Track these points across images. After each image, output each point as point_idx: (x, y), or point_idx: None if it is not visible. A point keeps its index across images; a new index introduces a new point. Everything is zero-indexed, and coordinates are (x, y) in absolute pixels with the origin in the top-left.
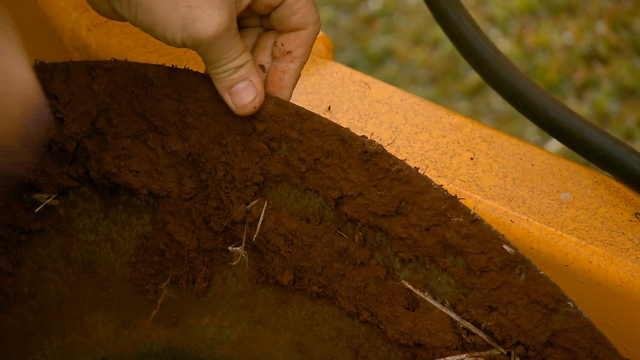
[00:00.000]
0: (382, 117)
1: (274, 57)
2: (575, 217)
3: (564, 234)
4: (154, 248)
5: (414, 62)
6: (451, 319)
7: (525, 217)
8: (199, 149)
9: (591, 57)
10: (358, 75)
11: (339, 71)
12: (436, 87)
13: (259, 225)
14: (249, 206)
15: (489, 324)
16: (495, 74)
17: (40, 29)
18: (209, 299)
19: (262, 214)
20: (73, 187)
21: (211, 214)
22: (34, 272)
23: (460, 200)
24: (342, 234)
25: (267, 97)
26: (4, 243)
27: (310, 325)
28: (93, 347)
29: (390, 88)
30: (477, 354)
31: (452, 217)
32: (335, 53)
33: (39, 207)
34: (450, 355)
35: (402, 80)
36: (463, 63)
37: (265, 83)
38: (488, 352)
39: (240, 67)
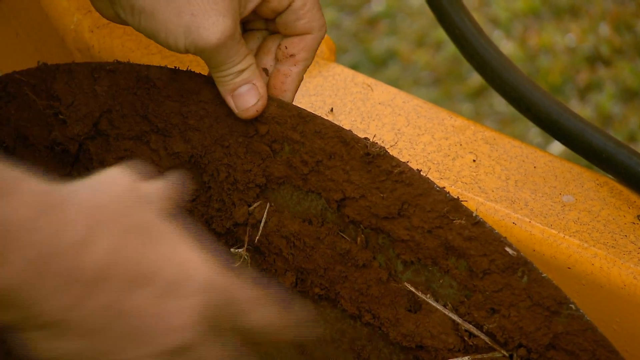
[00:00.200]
0: (384, 119)
1: (277, 60)
2: (578, 219)
3: (567, 237)
4: None
5: (417, 64)
6: (453, 321)
7: (527, 220)
8: (201, 151)
9: (594, 59)
10: (360, 77)
11: (342, 73)
12: (439, 88)
13: (261, 227)
14: (251, 208)
15: (491, 326)
16: (497, 76)
17: (43, 30)
18: None
19: (265, 216)
20: None
21: (213, 216)
22: None
23: (463, 203)
24: (344, 236)
25: (270, 99)
26: None
27: (312, 327)
28: None
29: (393, 90)
30: (479, 356)
31: (455, 220)
32: (338, 54)
33: None
34: (452, 358)
35: (405, 81)
36: (466, 65)
37: (268, 86)
38: (490, 355)
39: (243, 70)
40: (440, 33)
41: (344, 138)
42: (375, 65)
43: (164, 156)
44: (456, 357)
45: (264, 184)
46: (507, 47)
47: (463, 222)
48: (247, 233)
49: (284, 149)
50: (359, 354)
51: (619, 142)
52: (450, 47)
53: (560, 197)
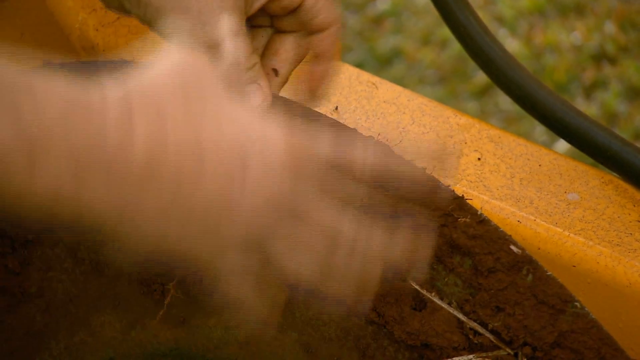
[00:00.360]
0: (389, 118)
1: (307, 62)
2: (583, 217)
3: (572, 235)
4: None
5: (422, 62)
6: (458, 319)
7: (532, 218)
8: None
9: (600, 57)
10: (365, 76)
11: (346, 71)
12: (444, 87)
13: None
14: None
15: (496, 324)
16: (503, 74)
17: (48, 28)
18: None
19: None
20: None
21: None
22: (41, 272)
23: (468, 201)
24: None
25: (274, 97)
26: (12, 243)
27: (317, 326)
28: (100, 347)
29: (398, 88)
30: (484, 354)
31: (460, 218)
32: (344, 53)
33: None
34: (457, 356)
35: (410, 80)
36: (471, 63)
37: (308, 88)
38: (495, 353)
39: (247, 69)
40: (446, 31)
41: None
42: (380, 63)
43: None
44: (461, 355)
45: None
46: (512, 45)
47: (468, 220)
48: None
49: None
50: (364, 352)
51: (625, 140)
52: (456, 46)
53: (565, 195)
